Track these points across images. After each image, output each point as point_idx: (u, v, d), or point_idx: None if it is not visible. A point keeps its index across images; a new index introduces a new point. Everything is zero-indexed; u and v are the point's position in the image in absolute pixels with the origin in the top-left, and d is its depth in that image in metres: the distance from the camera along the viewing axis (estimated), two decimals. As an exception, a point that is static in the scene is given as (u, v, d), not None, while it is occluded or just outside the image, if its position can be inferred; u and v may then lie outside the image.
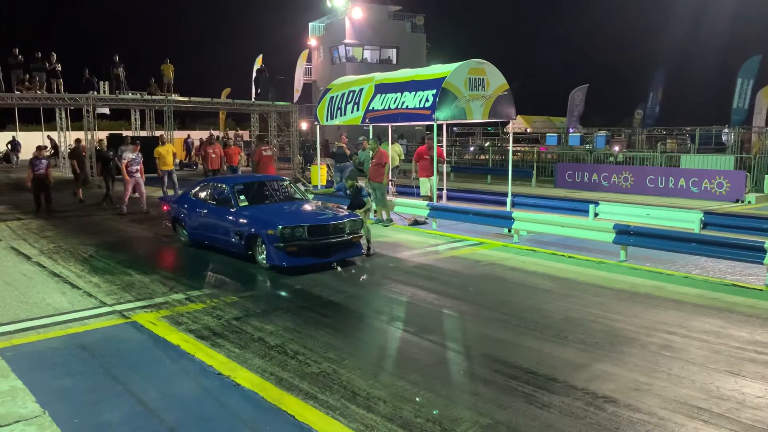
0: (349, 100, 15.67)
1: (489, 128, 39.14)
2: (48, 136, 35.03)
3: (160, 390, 5.18)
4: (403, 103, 13.85)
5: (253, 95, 31.84)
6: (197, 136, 37.19)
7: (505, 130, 36.35)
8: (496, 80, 13.76)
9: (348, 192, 12.04)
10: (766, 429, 4.42)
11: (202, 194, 11.11)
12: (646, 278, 8.83)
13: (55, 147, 33.27)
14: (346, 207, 10.85)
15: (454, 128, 39.00)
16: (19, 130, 40.42)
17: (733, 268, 9.23)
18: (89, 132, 24.32)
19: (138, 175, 15.77)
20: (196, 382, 5.37)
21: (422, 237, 12.37)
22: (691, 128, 30.98)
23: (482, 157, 32.48)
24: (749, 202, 17.51)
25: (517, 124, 39.19)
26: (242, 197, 10.29)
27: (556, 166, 23.48)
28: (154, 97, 27.61)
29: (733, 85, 27.66)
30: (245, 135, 38.49)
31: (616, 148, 27.82)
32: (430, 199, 14.21)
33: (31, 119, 43.67)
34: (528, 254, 10.57)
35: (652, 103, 34.92)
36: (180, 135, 36.69)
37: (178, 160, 18.59)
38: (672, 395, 4.97)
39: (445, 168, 16.87)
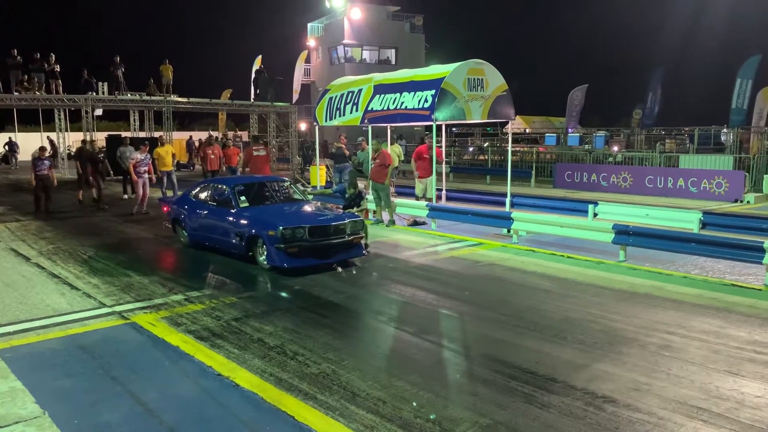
0: (348, 100, 15.67)
1: (488, 128, 39.14)
2: (48, 137, 35.00)
3: (159, 391, 5.18)
4: (402, 103, 13.86)
5: (252, 96, 31.84)
6: (198, 137, 37.17)
7: (504, 130, 36.35)
8: (495, 80, 13.77)
9: (346, 196, 12.06)
10: (765, 429, 4.43)
11: (203, 195, 11.09)
12: (645, 278, 8.84)
13: (54, 148, 33.25)
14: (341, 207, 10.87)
15: (453, 129, 39.00)
16: (18, 131, 40.41)
17: (732, 268, 9.24)
18: (88, 133, 24.29)
19: (146, 176, 15.72)
20: (196, 382, 5.36)
21: (421, 237, 12.37)
22: (690, 128, 30.99)
23: (481, 157, 32.51)
24: (748, 202, 17.53)
25: (516, 124, 39.20)
26: (243, 198, 10.27)
27: (555, 167, 23.49)
28: (152, 97, 27.60)
29: (732, 85, 27.70)
30: (244, 135, 38.48)
31: (615, 149, 27.83)
32: (430, 200, 14.22)
33: (30, 120, 43.69)
34: (527, 254, 10.57)
35: (651, 103, 34.93)
36: (180, 136, 36.71)
37: (176, 161, 18.58)
38: (671, 395, 4.98)
39: (444, 168, 16.87)
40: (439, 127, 14.81)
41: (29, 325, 6.87)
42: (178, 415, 4.76)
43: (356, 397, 4.99)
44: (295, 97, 34.94)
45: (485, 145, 35.17)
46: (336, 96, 16.20)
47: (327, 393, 5.06)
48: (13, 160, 35.81)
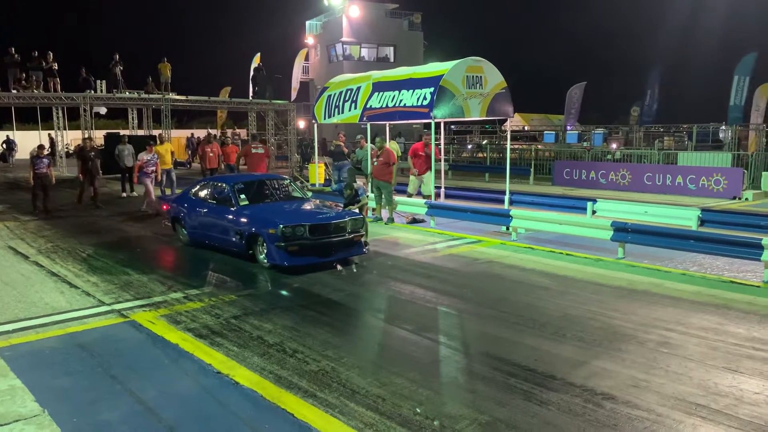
0: (346, 98, 15.66)
1: (487, 126, 39.16)
2: (49, 135, 34.94)
3: (158, 389, 5.18)
4: (400, 101, 13.85)
5: (251, 94, 31.82)
6: (199, 134, 37.13)
7: (502, 127, 36.38)
8: (493, 78, 13.75)
9: (345, 195, 12.07)
10: (764, 425, 4.44)
11: (202, 193, 11.07)
12: (643, 275, 8.85)
13: (52, 146, 33.21)
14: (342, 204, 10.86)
15: (452, 126, 39.00)
16: (16, 130, 40.35)
17: (731, 264, 9.26)
18: (86, 131, 24.28)
19: (153, 175, 15.62)
20: (195, 380, 5.37)
21: (420, 235, 12.37)
22: (688, 125, 31.04)
23: (480, 155, 32.53)
24: (746, 199, 17.55)
25: (515, 121, 39.24)
26: (242, 196, 10.24)
27: (553, 164, 23.51)
28: (151, 95, 27.58)
29: (730, 82, 27.73)
30: (243, 133, 38.47)
31: (614, 146, 27.87)
32: (426, 197, 14.23)
33: (28, 118, 43.61)
34: (526, 252, 10.58)
35: (650, 100, 34.98)
36: (178, 134, 36.67)
37: (174, 159, 18.59)
38: (670, 392, 4.99)
39: (443, 166, 16.88)
40: (437, 125, 14.80)
41: (28, 324, 6.87)
42: (178, 413, 4.76)
43: (355, 394, 4.99)
44: (294, 94, 34.95)
45: (484, 142, 35.19)
46: (335, 94, 16.19)
47: (326, 390, 5.06)
48: (11, 159, 35.77)
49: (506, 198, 14.29)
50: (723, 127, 28.78)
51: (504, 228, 11.93)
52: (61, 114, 31.47)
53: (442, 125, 16.60)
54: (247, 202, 10.15)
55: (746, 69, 27.23)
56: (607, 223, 10.19)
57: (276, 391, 5.07)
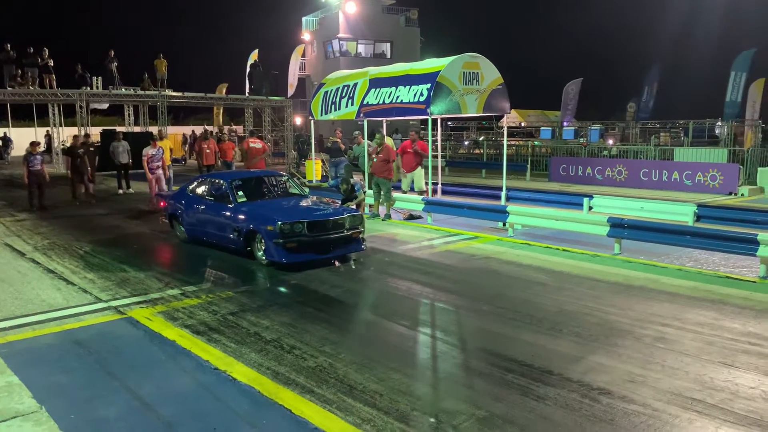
0: (343, 94, 15.64)
1: (483, 122, 39.14)
2: (47, 132, 34.77)
3: (156, 385, 5.18)
4: (397, 97, 13.84)
5: (247, 90, 31.76)
6: (198, 131, 37.04)
7: (499, 124, 36.36)
8: (490, 74, 13.76)
9: (342, 192, 12.07)
10: (760, 419, 4.46)
11: (200, 190, 11.04)
12: (640, 271, 8.87)
13: (49, 143, 33.10)
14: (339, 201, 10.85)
15: (449, 122, 39.00)
16: (12, 127, 40.18)
17: (727, 260, 9.29)
18: (82, 128, 24.21)
19: (160, 171, 15.44)
20: (193, 377, 5.37)
21: (417, 231, 12.38)
22: (684, 122, 31.05)
23: (477, 151, 32.53)
24: (742, 194, 17.61)
25: (512, 118, 39.19)
26: (240, 193, 10.21)
27: (550, 160, 23.53)
28: (147, 92, 27.51)
29: (726, 78, 27.75)
30: (239, 130, 38.40)
31: (610, 142, 27.90)
32: (420, 193, 14.24)
33: (24, 115, 43.41)
34: (523, 248, 10.60)
35: (646, 96, 34.97)
36: (174, 130, 36.55)
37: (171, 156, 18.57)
38: (666, 386, 5.01)
39: (440, 162, 16.85)
40: (434, 121, 14.80)
41: (25, 321, 6.86)
42: (175, 409, 4.76)
43: (353, 390, 5.00)
44: (291, 91, 34.86)
45: (481, 138, 35.15)
46: (331, 90, 16.17)
47: (324, 386, 5.07)
48: (6, 155, 35.63)
49: (503, 194, 14.31)
50: (719, 123, 28.81)
51: (501, 224, 11.94)
52: (57, 111, 31.36)
53: (439, 121, 16.61)
54: (244, 199, 10.12)
55: (743, 65, 27.24)
56: (603, 218, 10.21)
57: (273, 387, 5.08)
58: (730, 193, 17.72)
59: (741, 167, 18.75)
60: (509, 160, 17.90)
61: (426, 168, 15.03)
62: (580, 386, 5.03)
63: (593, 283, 8.26)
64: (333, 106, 16.03)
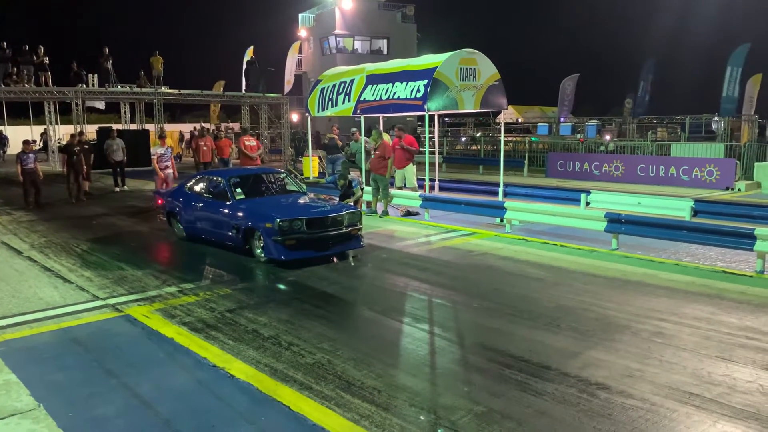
0: (340, 91, 15.62)
1: (480, 118, 39.15)
2: (45, 130, 34.63)
3: (154, 383, 5.18)
4: (394, 93, 13.83)
5: (244, 87, 31.69)
6: (191, 128, 36.93)
7: (496, 120, 36.39)
8: (487, 70, 13.75)
9: (339, 188, 12.07)
10: (757, 413, 4.48)
11: (198, 188, 11.01)
12: (637, 266, 8.89)
13: (45, 141, 32.98)
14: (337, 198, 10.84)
15: (446, 119, 39.00)
16: (8, 125, 40.05)
17: (724, 255, 9.31)
18: (78, 126, 24.12)
19: (169, 170, 15.22)
20: (191, 374, 5.37)
21: (415, 228, 12.38)
22: (681, 117, 31.12)
23: (474, 147, 32.52)
24: (739, 189, 17.65)
25: (509, 114, 39.19)
26: (238, 190, 10.19)
27: (547, 156, 23.54)
28: (143, 89, 27.43)
29: (723, 73, 27.76)
30: (236, 127, 38.32)
31: (607, 137, 27.93)
32: (413, 189, 14.24)
33: (20, 113, 43.26)
34: (520, 243, 10.61)
35: (643, 92, 35.00)
36: (170, 128, 36.48)
37: None
38: (664, 381, 5.02)
39: (437, 159, 16.85)
40: (431, 117, 14.78)
41: (22, 319, 6.85)
42: (174, 407, 4.76)
43: (351, 386, 5.01)
44: (287, 88, 34.77)
45: (478, 135, 35.17)
46: (328, 87, 16.15)
47: (322, 383, 5.07)
48: (3, 154, 35.51)
49: (500, 190, 14.31)
50: (716, 119, 28.86)
51: (498, 220, 11.95)
52: (52, 108, 31.26)
53: (436, 117, 16.59)
54: (243, 196, 10.10)
55: (739, 60, 27.25)
56: (600, 214, 10.22)
57: (272, 383, 5.08)
58: (727, 188, 17.75)
59: (738, 162, 18.80)
60: (506, 156, 17.91)
61: (419, 164, 15.00)
62: (578, 381, 5.04)
63: (591, 279, 8.27)
64: (330, 102, 16.01)
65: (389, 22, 43.70)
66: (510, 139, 31.22)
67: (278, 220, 8.90)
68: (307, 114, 17.84)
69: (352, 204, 11.46)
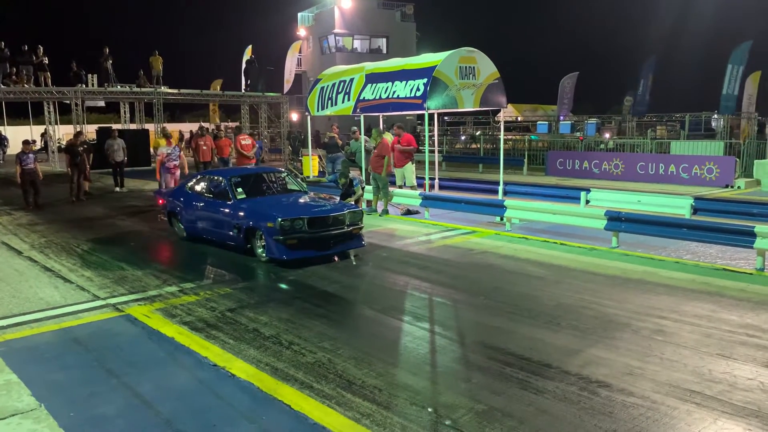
0: (339, 90, 15.61)
1: (480, 117, 39.14)
2: (45, 130, 34.60)
3: (155, 382, 5.18)
4: (394, 92, 13.82)
5: (243, 86, 31.67)
6: (192, 128, 36.90)
7: (496, 118, 36.38)
8: (486, 68, 13.73)
9: (340, 186, 12.07)
10: (758, 410, 4.48)
11: (198, 187, 11.00)
12: (637, 264, 8.89)
13: (45, 141, 32.96)
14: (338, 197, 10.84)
15: (446, 117, 38.97)
16: (7, 125, 40.03)
17: (724, 252, 9.32)
18: (78, 125, 24.12)
19: (177, 172, 14.93)
20: (191, 373, 5.37)
21: (415, 226, 12.38)
22: (681, 115, 31.11)
23: (473, 146, 32.52)
24: (739, 187, 17.64)
25: (508, 112, 39.16)
26: (239, 190, 10.18)
27: (547, 154, 23.53)
28: (142, 89, 27.42)
29: (723, 71, 27.74)
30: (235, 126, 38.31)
31: (607, 136, 27.92)
32: (411, 187, 14.23)
33: (20, 113, 43.24)
34: (520, 242, 10.61)
35: (642, 89, 34.98)
36: (170, 127, 36.45)
37: None
38: (665, 379, 5.02)
39: (437, 157, 16.85)
40: (431, 116, 14.77)
41: (23, 319, 6.85)
42: (174, 406, 4.76)
43: (352, 385, 5.01)
44: (287, 87, 34.76)
45: (477, 133, 35.16)
46: (327, 86, 16.14)
47: (323, 382, 5.08)
48: (2, 154, 35.49)
49: (500, 188, 14.31)
50: (715, 116, 28.84)
51: (498, 218, 11.95)
52: (52, 108, 31.24)
53: (435, 116, 16.59)
54: (244, 196, 10.08)
55: (740, 58, 27.21)
56: (600, 212, 10.22)
57: (272, 383, 5.08)
58: (727, 186, 17.75)
59: (737, 160, 18.80)
60: (506, 154, 17.91)
61: (418, 163, 15.00)
62: (579, 379, 5.04)
63: (591, 277, 8.27)
64: (329, 101, 16.00)
65: (388, 21, 43.71)
66: (509, 137, 31.19)
67: (280, 219, 8.89)
68: (306, 113, 17.83)
69: (353, 203, 11.46)
